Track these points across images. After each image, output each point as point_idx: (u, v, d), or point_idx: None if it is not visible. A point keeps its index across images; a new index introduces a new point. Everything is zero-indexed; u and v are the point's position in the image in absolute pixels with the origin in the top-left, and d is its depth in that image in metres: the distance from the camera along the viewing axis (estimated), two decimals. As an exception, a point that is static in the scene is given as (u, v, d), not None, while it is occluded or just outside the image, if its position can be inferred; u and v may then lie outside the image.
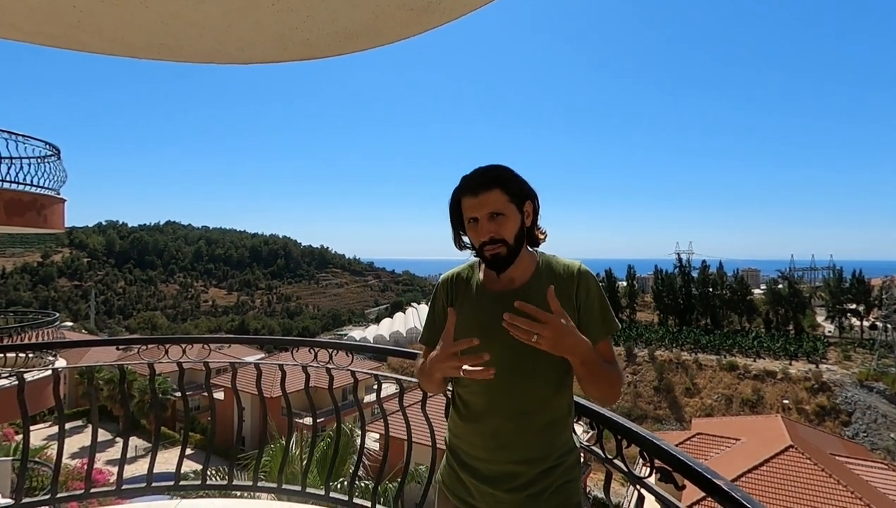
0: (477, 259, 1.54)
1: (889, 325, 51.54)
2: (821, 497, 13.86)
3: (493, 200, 1.38)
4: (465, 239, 1.51)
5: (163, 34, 2.24)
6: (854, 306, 57.73)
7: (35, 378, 7.08)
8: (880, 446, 37.27)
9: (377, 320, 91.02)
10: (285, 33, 2.22)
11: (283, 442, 4.34)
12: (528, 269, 1.46)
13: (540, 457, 1.39)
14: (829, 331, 59.40)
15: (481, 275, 1.51)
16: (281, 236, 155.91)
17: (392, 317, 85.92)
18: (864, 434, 38.89)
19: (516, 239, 1.41)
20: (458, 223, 1.49)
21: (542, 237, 1.51)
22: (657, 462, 1.46)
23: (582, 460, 1.92)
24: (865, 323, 57.21)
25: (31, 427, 3.28)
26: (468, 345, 1.29)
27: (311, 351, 3.17)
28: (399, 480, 3.03)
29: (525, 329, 1.23)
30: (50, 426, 26.89)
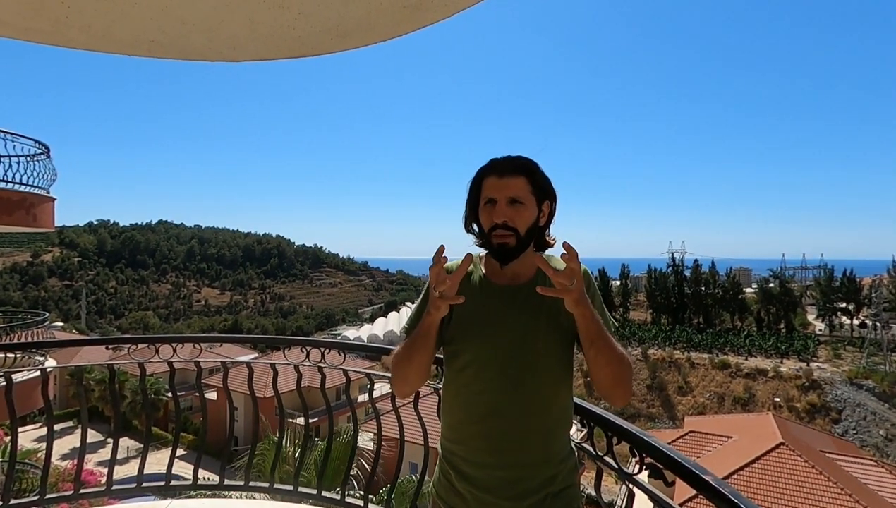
0: (476, 253, 1.49)
1: (878, 323, 52.09)
2: (811, 493, 14.00)
3: (517, 186, 1.35)
4: (474, 226, 1.46)
5: (153, 31, 2.22)
6: (844, 305, 58.32)
7: (24, 378, 7.00)
8: (869, 443, 37.69)
9: (371, 319, 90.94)
10: (277, 31, 2.21)
11: (275, 440, 4.33)
12: (532, 267, 1.42)
13: (543, 461, 1.36)
14: (820, 330, 60.01)
15: (483, 269, 1.47)
16: (274, 235, 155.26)
17: (386, 317, 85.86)
18: (854, 432, 39.31)
19: (528, 232, 1.37)
20: (474, 205, 1.44)
21: (551, 242, 1.47)
22: (647, 459, 1.47)
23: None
24: (855, 322, 57.85)
25: (22, 429, 3.25)
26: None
27: (303, 350, 3.15)
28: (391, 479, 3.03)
29: (561, 281, 1.21)
30: (40, 427, 26.61)
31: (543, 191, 1.40)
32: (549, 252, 1.50)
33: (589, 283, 1.43)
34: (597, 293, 1.44)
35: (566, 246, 1.24)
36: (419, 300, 1.54)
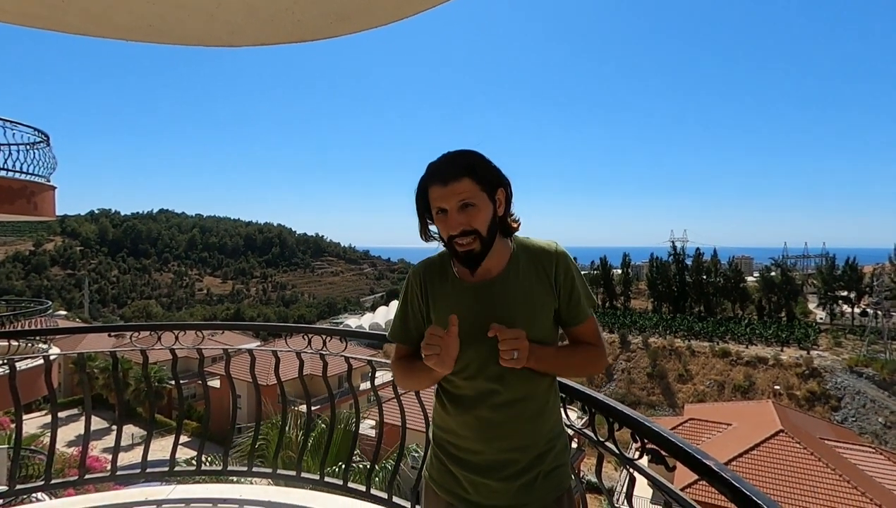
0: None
1: (879, 312, 52.08)
2: (810, 479, 14.12)
3: (463, 190, 1.29)
4: (433, 228, 1.42)
5: (151, 16, 2.19)
6: (845, 293, 58.28)
7: (28, 366, 7.05)
8: (868, 430, 37.91)
9: (373, 308, 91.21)
10: (276, 14, 2.18)
11: (279, 423, 4.38)
12: (503, 257, 1.40)
13: (531, 444, 1.38)
14: (821, 318, 60.01)
15: (455, 268, 1.44)
16: (276, 224, 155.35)
17: (387, 305, 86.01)
18: (853, 419, 39.52)
19: (489, 230, 1.32)
20: (425, 213, 1.39)
21: (515, 226, 1.42)
22: (648, 444, 1.48)
23: (576, 445, 1.94)
24: (856, 310, 57.85)
25: (28, 416, 3.28)
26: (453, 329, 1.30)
27: (305, 337, 3.16)
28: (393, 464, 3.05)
29: (506, 357, 1.29)
30: (45, 414, 26.85)
31: (492, 183, 1.34)
32: (524, 233, 1.47)
33: (567, 268, 1.42)
34: (576, 276, 1.43)
35: (495, 327, 1.29)
36: (399, 307, 1.54)
